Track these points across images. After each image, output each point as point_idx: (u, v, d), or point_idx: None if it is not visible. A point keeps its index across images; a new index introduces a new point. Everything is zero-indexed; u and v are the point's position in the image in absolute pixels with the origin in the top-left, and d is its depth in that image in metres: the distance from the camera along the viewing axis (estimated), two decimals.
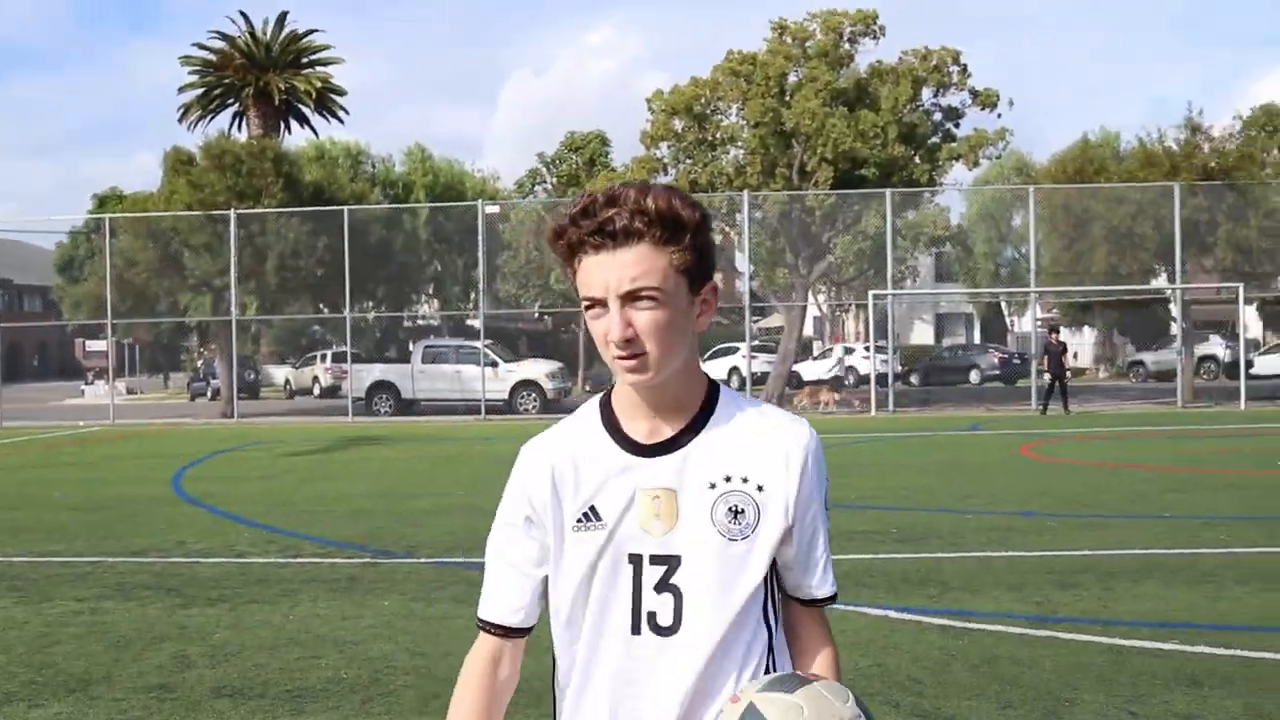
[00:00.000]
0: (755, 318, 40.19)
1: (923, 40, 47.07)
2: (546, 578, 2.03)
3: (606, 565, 1.95)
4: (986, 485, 14.55)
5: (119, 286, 32.88)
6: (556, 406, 32.63)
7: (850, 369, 44.68)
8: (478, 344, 33.28)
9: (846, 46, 32.69)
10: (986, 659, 6.44)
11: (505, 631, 2.07)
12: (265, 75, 44.89)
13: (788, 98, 31.79)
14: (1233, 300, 31.49)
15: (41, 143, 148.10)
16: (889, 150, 31.50)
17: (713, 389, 2.01)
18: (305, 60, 46.86)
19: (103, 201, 53.01)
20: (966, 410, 30.85)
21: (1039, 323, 37.21)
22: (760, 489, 1.96)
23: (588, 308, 1.91)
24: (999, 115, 34.27)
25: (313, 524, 12.02)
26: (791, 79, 32.23)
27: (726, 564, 1.95)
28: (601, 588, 1.95)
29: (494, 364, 32.70)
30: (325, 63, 47.52)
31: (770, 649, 2.00)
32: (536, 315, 50.04)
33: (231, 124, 46.27)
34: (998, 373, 44.68)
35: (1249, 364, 34.26)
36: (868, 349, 36.94)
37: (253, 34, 45.66)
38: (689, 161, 33.12)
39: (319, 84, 46.33)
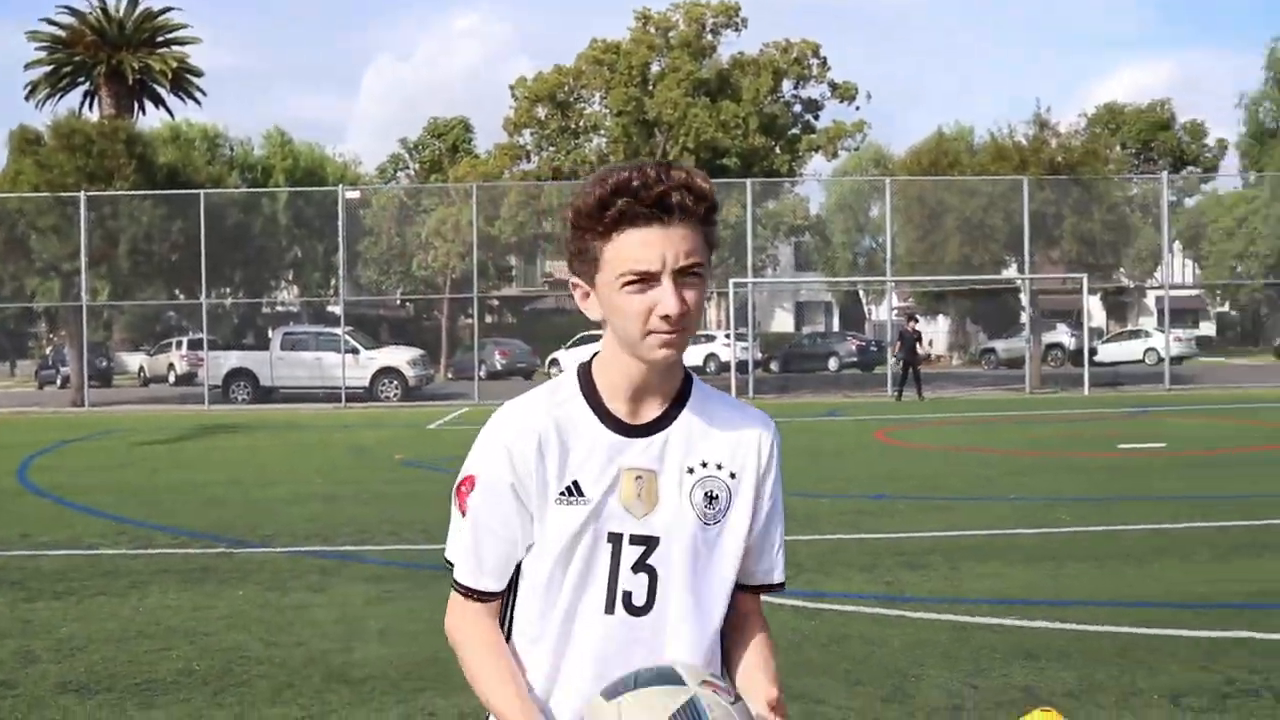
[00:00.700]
0: None
1: (784, 33, 47.65)
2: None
3: (587, 542, 1.94)
4: (842, 470, 14.82)
5: None
6: (418, 394, 32.37)
7: (711, 356, 45.10)
8: (338, 331, 32.84)
9: (709, 37, 33.00)
10: (836, 638, 6.58)
11: (494, 596, 2.01)
12: (118, 53, 43.66)
13: (650, 87, 31.98)
14: (1077, 290, 32.53)
15: None
16: (750, 140, 31.90)
17: (687, 376, 2.05)
18: (160, 39, 45.71)
19: None
20: (824, 397, 31.36)
21: (895, 311, 37.99)
22: (733, 476, 2.03)
23: (628, 282, 1.87)
24: (857, 108, 35.05)
25: (166, 514, 11.75)
26: (654, 68, 32.44)
27: (700, 548, 2.00)
28: (580, 563, 1.95)
29: (354, 351, 32.29)
30: (181, 42, 46.40)
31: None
32: (398, 302, 49.57)
33: (82, 103, 44.98)
34: (855, 360, 45.48)
35: (1092, 351, 35.51)
36: (728, 336, 37.30)
37: (105, 10, 44.38)
38: (552, 149, 33.11)
39: (175, 64, 45.23)
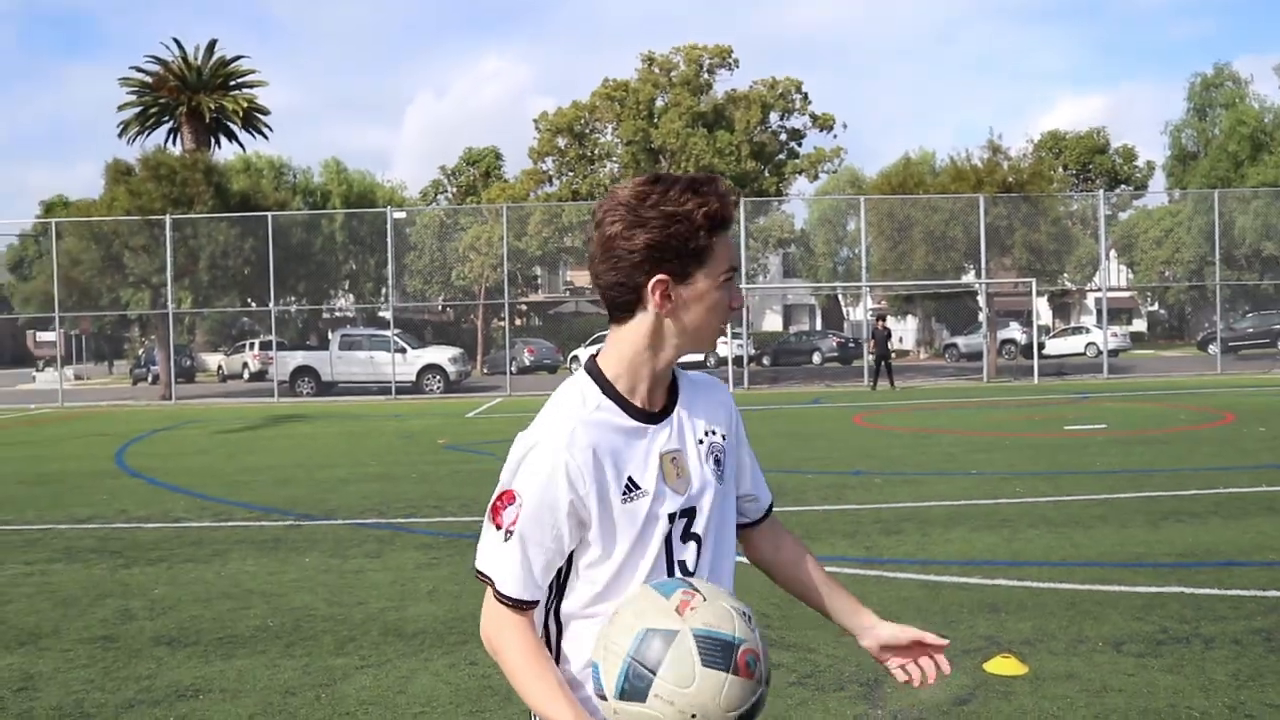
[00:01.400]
0: None
1: (771, 71, 47.55)
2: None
3: (649, 527, 1.88)
4: (825, 450, 14.80)
5: (65, 283, 31.80)
6: (457, 387, 32.39)
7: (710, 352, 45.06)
8: (388, 333, 32.84)
9: (706, 76, 32.92)
10: None
11: (536, 604, 1.89)
12: (197, 96, 43.68)
13: (655, 120, 31.90)
14: (1027, 293, 32.43)
15: None
16: (742, 165, 31.82)
17: None
18: (233, 83, 45.70)
19: (49, 207, 51.04)
20: (809, 387, 31.31)
21: (870, 312, 37.90)
22: (723, 437, 2.01)
23: (728, 278, 1.89)
24: (835, 136, 35.03)
25: (242, 492, 11.77)
26: (659, 103, 32.35)
27: (721, 506, 1.99)
28: (645, 547, 1.88)
29: (402, 350, 32.30)
30: (251, 85, 46.39)
31: None
32: (440, 307, 49.57)
33: (167, 139, 45.01)
34: (836, 354, 45.37)
35: (1041, 346, 35.41)
36: (726, 336, 37.21)
37: (185, 59, 44.38)
38: (571, 174, 33.06)
39: (245, 104, 45.22)
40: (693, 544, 1.93)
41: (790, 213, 46.07)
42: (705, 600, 1.69)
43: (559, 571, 1.90)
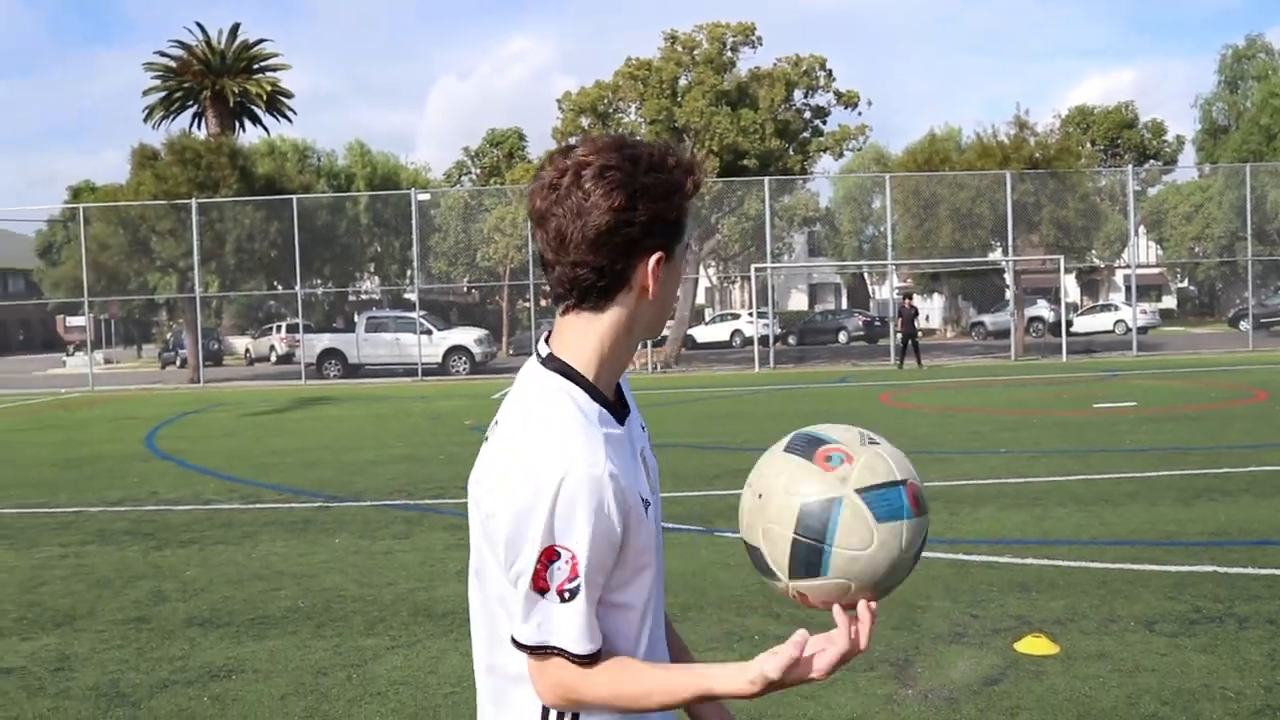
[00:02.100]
0: None
1: (795, 49, 47.26)
2: None
3: (656, 536, 1.64)
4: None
5: (94, 268, 32.03)
6: (483, 368, 32.48)
7: (736, 332, 44.97)
8: (414, 315, 32.94)
9: (729, 54, 32.69)
10: None
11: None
12: (221, 80, 43.73)
13: (679, 99, 31.75)
14: (1055, 270, 32.18)
15: (15, 140, 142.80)
16: (766, 144, 31.63)
17: None
18: (256, 66, 45.71)
19: (77, 193, 51.32)
20: (835, 366, 31.21)
21: (896, 290, 37.72)
22: (646, 429, 1.79)
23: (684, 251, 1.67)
24: (859, 113, 34.59)
25: (271, 474, 11.85)
26: (682, 82, 32.19)
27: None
28: (656, 557, 1.65)
29: (428, 332, 32.40)
30: (274, 68, 46.39)
31: None
32: (465, 289, 49.68)
33: (191, 123, 45.07)
34: (862, 333, 45.25)
35: (1069, 323, 35.14)
36: (751, 314, 37.16)
37: (209, 43, 44.43)
38: None
39: (269, 87, 45.25)
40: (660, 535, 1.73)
41: (815, 191, 45.78)
42: (854, 456, 1.55)
43: None
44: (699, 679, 1.53)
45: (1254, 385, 18.78)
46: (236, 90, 43.99)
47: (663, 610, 1.72)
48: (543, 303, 36.21)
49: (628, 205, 1.54)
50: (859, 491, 1.51)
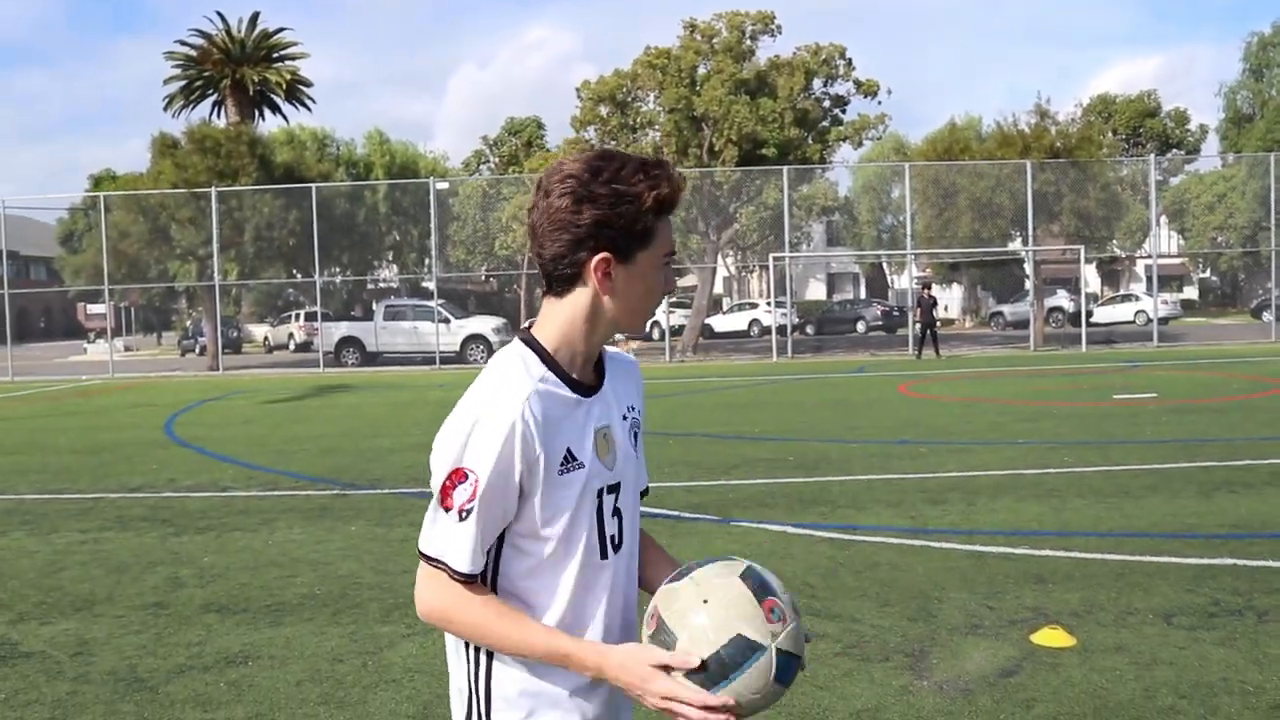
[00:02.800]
0: None
1: (814, 37, 47.06)
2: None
3: (583, 501, 1.84)
4: (869, 418, 14.70)
5: (114, 256, 32.23)
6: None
7: (754, 321, 44.89)
8: (432, 303, 33.02)
9: (748, 43, 32.58)
10: (869, 565, 6.53)
11: (481, 577, 1.83)
12: (240, 68, 43.85)
13: (698, 87, 31.66)
14: (1075, 260, 31.99)
15: (37, 129, 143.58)
16: (785, 133, 31.52)
17: None
18: (276, 55, 45.81)
19: (98, 181, 51.56)
20: (853, 355, 31.12)
21: (915, 280, 37.58)
22: (639, 413, 2.02)
23: (666, 260, 1.87)
24: (879, 102, 34.54)
25: (289, 461, 11.89)
26: (701, 71, 32.09)
27: (636, 478, 1.99)
28: (580, 522, 1.84)
29: (446, 320, 32.46)
30: (293, 57, 46.49)
31: None
32: (483, 277, 49.76)
33: (211, 112, 45.25)
34: (880, 323, 45.06)
35: (1089, 314, 34.93)
36: (769, 304, 37.10)
37: (229, 32, 44.55)
38: (613, 143, 32.90)
39: (288, 76, 45.36)
40: (617, 519, 1.92)
41: (834, 180, 45.63)
42: (788, 619, 1.80)
43: None
44: (558, 647, 1.79)
45: (1276, 377, 18.64)
46: (256, 79, 44.11)
47: (609, 592, 1.89)
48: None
49: (574, 208, 1.78)
50: (779, 651, 1.76)
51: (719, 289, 51.88)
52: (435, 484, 1.80)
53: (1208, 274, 61.30)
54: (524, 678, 1.84)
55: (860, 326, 45.28)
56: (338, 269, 38.45)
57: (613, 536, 1.90)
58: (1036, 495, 8.52)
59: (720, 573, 1.81)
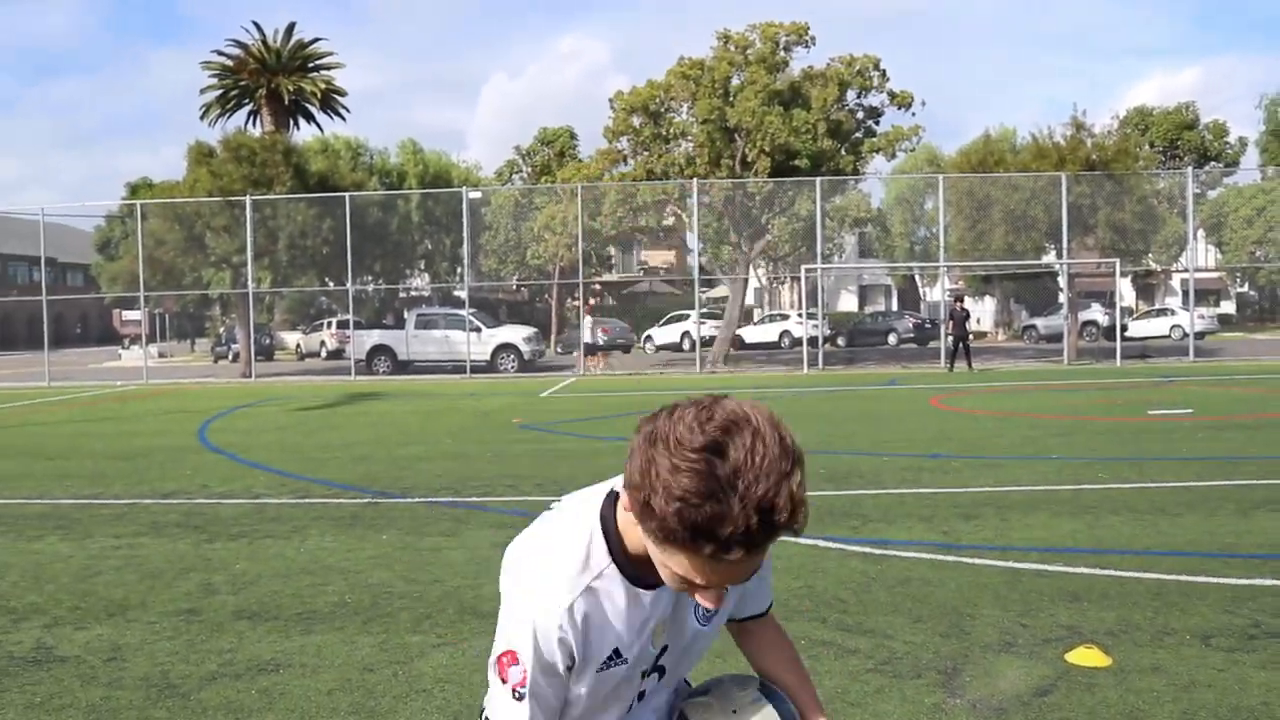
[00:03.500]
0: (703, 289, 40.19)
1: (848, 48, 46.94)
2: None
3: (624, 685, 1.83)
4: (901, 432, 14.62)
5: (150, 263, 32.57)
6: (532, 366, 32.60)
7: (785, 333, 44.77)
8: (463, 312, 33.16)
9: (782, 54, 32.54)
10: (901, 580, 6.48)
11: None
12: (276, 78, 44.29)
13: (731, 98, 31.65)
14: (1110, 274, 31.73)
15: (76, 138, 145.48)
16: (818, 144, 31.46)
17: None
18: (311, 65, 46.24)
19: (134, 189, 52.23)
20: (885, 368, 30.99)
21: (947, 292, 37.39)
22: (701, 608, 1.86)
23: (683, 588, 1.75)
24: (913, 114, 34.38)
25: (320, 469, 11.95)
26: (734, 82, 32.09)
27: (697, 640, 1.92)
28: (615, 694, 1.83)
29: (477, 329, 32.60)
30: (328, 67, 46.91)
31: None
32: (514, 287, 49.89)
33: (247, 121, 45.71)
34: (912, 336, 44.88)
35: (1124, 328, 34.66)
36: (801, 315, 37.00)
37: (265, 42, 45.00)
38: (646, 153, 32.95)
39: (323, 85, 45.76)
40: (656, 676, 1.89)
41: (867, 192, 45.40)
42: None
43: None
44: None
45: None
46: (291, 88, 44.53)
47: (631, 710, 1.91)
48: (591, 301, 36.27)
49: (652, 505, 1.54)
50: None
51: (750, 300, 51.78)
52: (494, 647, 1.77)
53: (1245, 288, 60.63)
54: None
55: (892, 339, 45.11)
56: (370, 277, 38.67)
57: (644, 691, 1.90)
58: (1071, 512, 8.43)
59: (752, 697, 1.89)
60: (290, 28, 45.71)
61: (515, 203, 44.51)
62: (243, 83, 45.14)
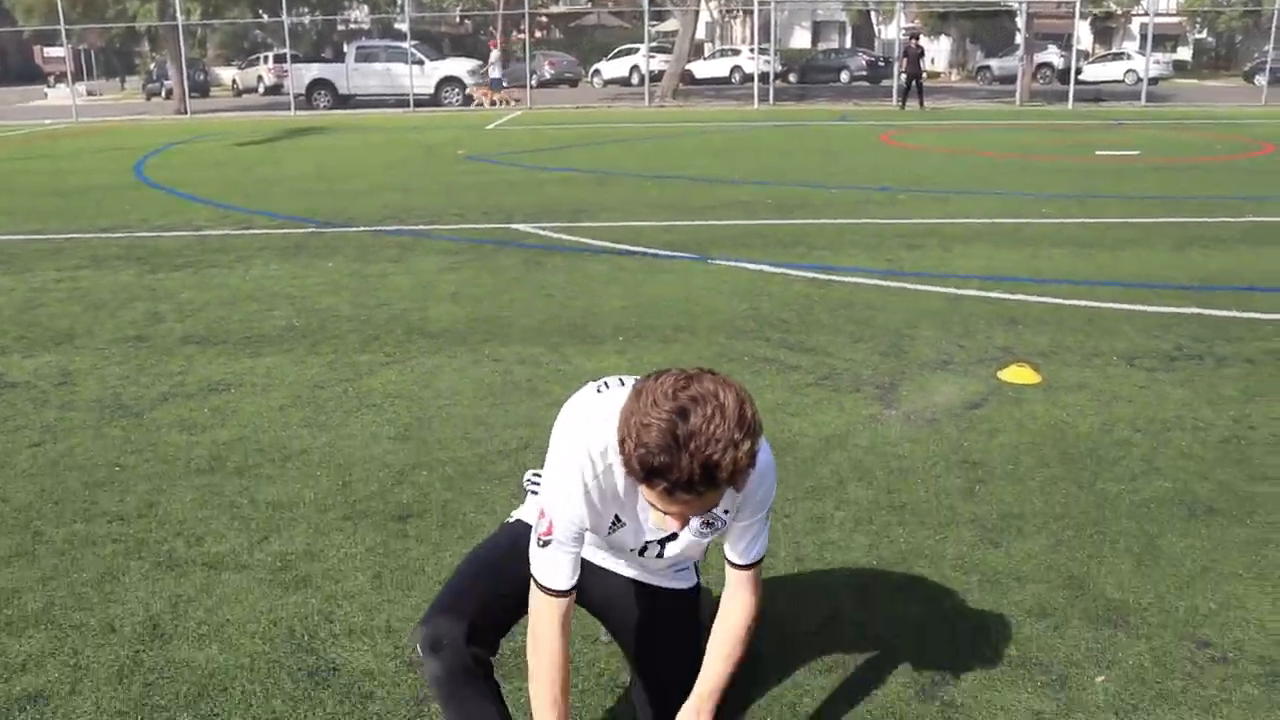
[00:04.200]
0: (653, 22, 38.90)
1: None
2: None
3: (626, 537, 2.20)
4: (850, 166, 14.59)
5: None
6: (474, 100, 31.90)
7: (736, 68, 43.80)
8: (405, 44, 32.03)
9: None
10: (844, 304, 6.62)
11: (568, 592, 2.11)
12: None
13: None
14: (1070, 15, 31.09)
15: None
16: None
17: None
18: None
19: None
20: (836, 105, 30.56)
21: (902, 30, 36.50)
22: (727, 513, 2.13)
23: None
24: None
25: (262, 202, 11.76)
26: None
27: (692, 545, 2.24)
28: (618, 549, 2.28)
29: (420, 62, 31.58)
30: None
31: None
32: (458, 19, 48.04)
33: None
34: (865, 73, 44.01)
35: (1079, 71, 34.16)
36: (753, 51, 36.10)
37: None
38: None
39: None
40: (657, 547, 2.23)
41: None
42: None
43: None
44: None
45: (1262, 139, 18.50)
46: None
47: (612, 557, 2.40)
48: (538, 34, 35.12)
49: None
50: None
51: (701, 34, 50.30)
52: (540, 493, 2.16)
53: (1205, 34, 59.78)
54: None
55: (844, 76, 44.25)
56: (306, 9, 36.98)
57: (647, 548, 2.22)
58: (1014, 244, 8.56)
59: None
60: None
61: None
62: None
